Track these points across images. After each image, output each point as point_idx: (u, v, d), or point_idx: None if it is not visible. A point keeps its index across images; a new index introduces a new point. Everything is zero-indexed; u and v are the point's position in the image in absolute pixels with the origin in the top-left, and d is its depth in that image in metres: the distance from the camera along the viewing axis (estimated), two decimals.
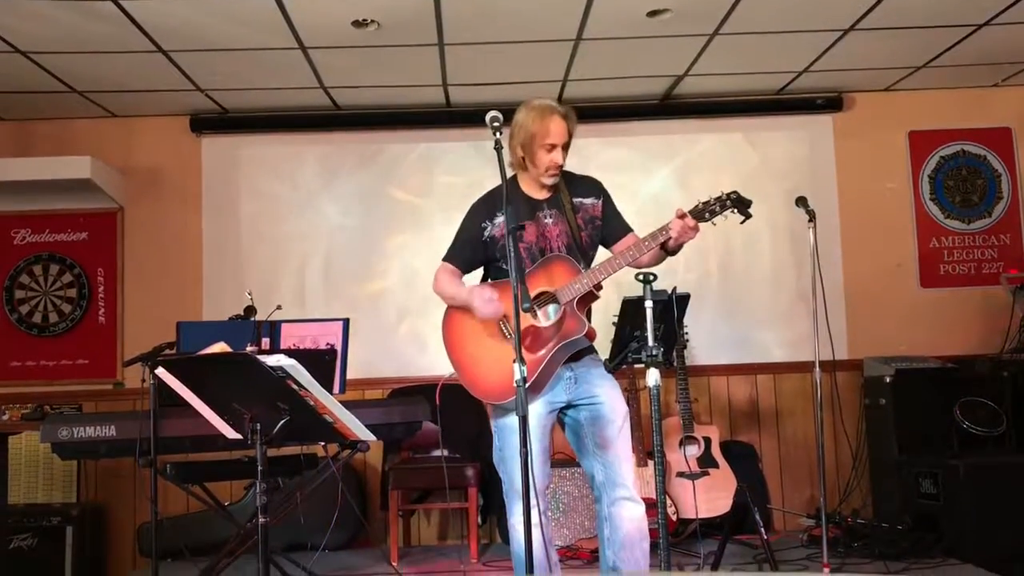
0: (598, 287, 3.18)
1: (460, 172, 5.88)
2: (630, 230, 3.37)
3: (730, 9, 4.61)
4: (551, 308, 3.18)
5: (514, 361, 2.71)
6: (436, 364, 3.53)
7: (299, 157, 5.96)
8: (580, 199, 3.34)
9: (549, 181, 3.27)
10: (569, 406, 3.26)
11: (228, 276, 5.78)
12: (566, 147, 3.24)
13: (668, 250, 3.19)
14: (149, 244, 5.84)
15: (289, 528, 4.52)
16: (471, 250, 3.32)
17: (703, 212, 3.14)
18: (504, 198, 2.88)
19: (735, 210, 3.14)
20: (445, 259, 3.36)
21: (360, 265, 5.89)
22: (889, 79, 5.82)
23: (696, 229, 3.12)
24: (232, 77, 5.32)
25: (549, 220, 3.28)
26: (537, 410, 3.14)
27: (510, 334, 3.15)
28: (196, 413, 3.24)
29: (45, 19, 4.41)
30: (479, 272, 3.45)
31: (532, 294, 3.11)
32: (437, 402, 3.32)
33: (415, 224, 5.90)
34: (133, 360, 3.99)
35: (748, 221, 3.20)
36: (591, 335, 3.17)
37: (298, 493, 4.20)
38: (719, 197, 3.14)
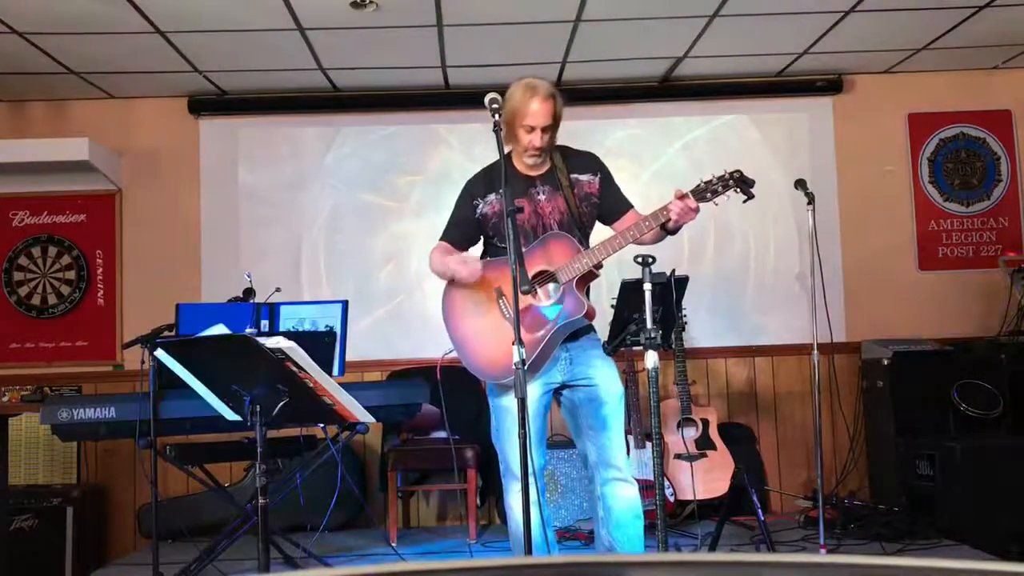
0: (598, 266, 3.17)
1: (459, 154, 5.87)
2: (630, 207, 3.35)
3: None
4: (551, 287, 3.18)
5: (513, 343, 2.71)
6: (436, 346, 3.54)
7: (297, 139, 5.94)
8: (577, 175, 3.31)
9: (529, 161, 3.24)
10: (564, 386, 3.26)
11: (227, 258, 5.78)
12: (547, 130, 3.18)
13: (668, 230, 3.17)
14: (147, 226, 5.83)
15: (289, 509, 4.54)
16: (466, 227, 3.32)
17: (705, 191, 3.12)
18: (503, 180, 2.87)
19: (737, 190, 3.13)
20: (442, 238, 3.37)
21: (359, 247, 5.89)
22: (889, 61, 5.81)
23: (696, 210, 3.10)
24: (230, 58, 5.30)
25: (542, 197, 3.26)
26: (533, 391, 3.14)
27: (509, 313, 3.16)
28: (196, 395, 3.25)
29: None
30: (476, 250, 3.44)
31: (531, 273, 3.11)
32: (438, 376, 3.32)
33: (414, 206, 5.90)
34: (132, 342, 4.00)
35: (747, 203, 3.19)
36: (591, 314, 3.17)
37: (298, 474, 4.21)
38: (721, 176, 3.13)
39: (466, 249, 3.37)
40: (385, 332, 5.80)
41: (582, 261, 3.12)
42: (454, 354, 3.28)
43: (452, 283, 3.31)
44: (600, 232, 3.34)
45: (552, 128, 3.21)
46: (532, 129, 3.16)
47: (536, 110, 3.14)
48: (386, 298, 5.85)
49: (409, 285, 5.83)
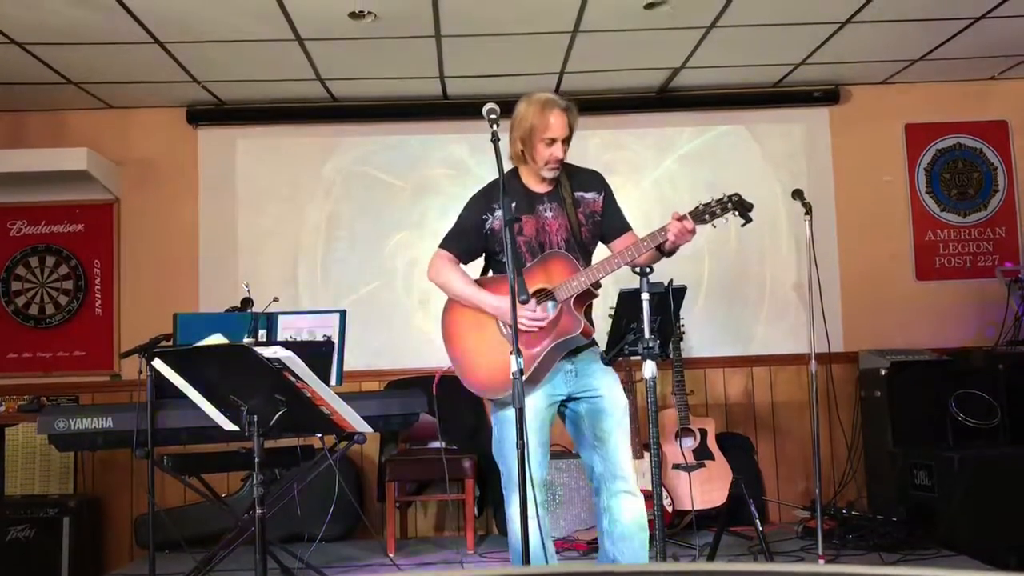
0: (596, 286, 3.18)
1: (457, 164, 5.88)
2: (628, 228, 3.36)
3: (727, 1, 4.60)
4: (549, 305, 3.19)
5: (511, 353, 2.72)
6: (434, 356, 3.55)
7: (296, 149, 5.95)
8: (581, 193, 3.33)
9: (549, 175, 3.26)
10: (569, 399, 3.26)
11: (224, 268, 5.78)
12: (566, 141, 3.23)
13: (664, 252, 3.18)
14: (145, 236, 5.83)
15: (286, 519, 4.53)
16: (471, 239, 3.31)
17: (703, 214, 3.14)
18: (501, 191, 2.88)
19: (736, 213, 3.15)
20: (443, 246, 3.34)
21: (357, 257, 5.89)
22: (886, 72, 5.83)
23: (693, 232, 3.12)
24: (229, 69, 5.31)
25: (549, 214, 3.28)
26: (537, 403, 3.15)
27: (506, 329, 3.16)
28: (193, 405, 3.24)
29: (41, 10, 4.40)
30: (478, 264, 3.44)
31: (530, 291, 3.12)
32: (435, 391, 3.33)
33: (412, 216, 5.90)
34: (130, 352, 3.99)
35: (745, 227, 3.21)
36: (587, 333, 3.17)
37: (295, 485, 4.20)
38: (720, 199, 3.14)
39: (468, 261, 3.37)
40: (383, 342, 5.79)
41: (580, 280, 3.13)
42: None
43: (453, 301, 3.31)
44: (601, 251, 3.35)
45: (569, 139, 3.25)
46: (553, 142, 3.20)
47: (555, 122, 3.18)
48: (384, 308, 5.84)
49: (408, 295, 5.83)
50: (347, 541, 5.30)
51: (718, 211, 3.13)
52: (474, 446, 5.11)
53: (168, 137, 5.89)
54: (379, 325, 5.80)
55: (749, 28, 4.97)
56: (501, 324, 3.19)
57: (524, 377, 2.76)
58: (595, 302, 3.31)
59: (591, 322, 3.24)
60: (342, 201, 5.92)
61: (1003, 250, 5.96)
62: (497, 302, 3.16)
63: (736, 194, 3.15)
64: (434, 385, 3.32)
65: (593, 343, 3.32)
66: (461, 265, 3.34)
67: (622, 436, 3.22)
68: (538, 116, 3.19)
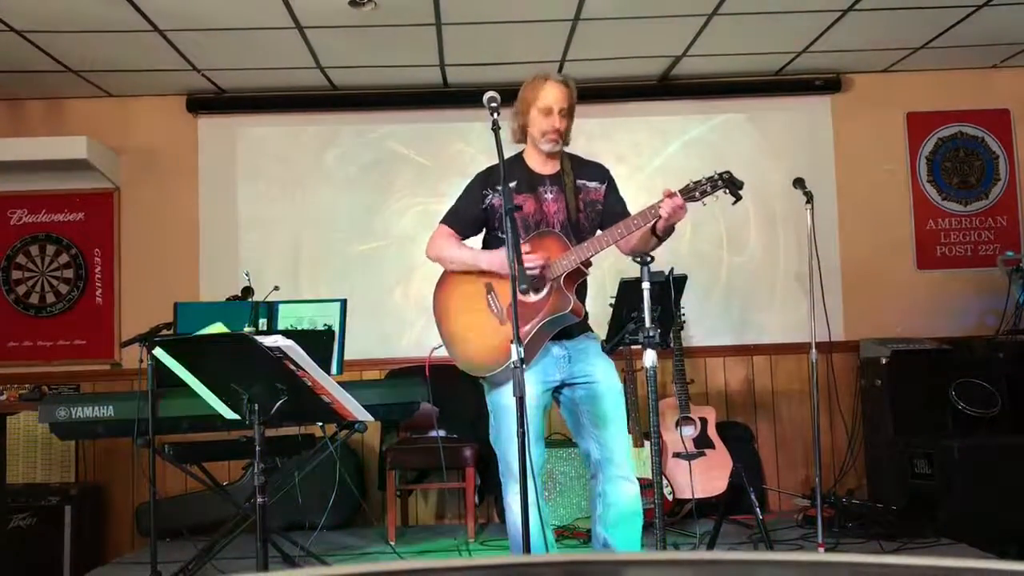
0: (587, 264, 3.18)
1: (457, 153, 5.87)
2: (629, 215, 3.36)
3: None
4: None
5: (505, 340, 2.71)
6: (434, 345, 3.55)
7: (296, 137, 5.94)
8: (584, 181, 3.34)
9: (547, 147, 3.26)
10: (563, 385, 3.26)
11: (225, 257, 5.78)
12: (564, 113, 3.24)
13: (658, 234, 3.17)
14: (146, 225, 5.83)
15: (287, 508, 4.53)
16: (471, 217, 3.33)
17: (694, 191, 3.13)
18: (503, 179, 2.87)
19: (726, 190, 3.13)
20: (444, 221, 3.36)
21: (357, 246, 5.89)
22: (888, 60, 5.81)
23: (684, 209, 3.10)
24: (229, 57, 5.30)
25: (549, 196, 3.28)
26: (531, 390, 3.14)
27: (498, 307, 3.17)
28: (194, 393, 3.25)
29: None
30: (475, 243, 3.44)
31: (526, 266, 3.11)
32: (426, 374, 3.33)
33: (411, 205, 5.89)
34: (131, 341, 4.00)
35: (744, 202, 3.20)
36: (577, 311, 3.16)
37: (296, 473, 4.21)
38: (711, 177, 3.13)
39: (467, 237, 3.38)
40: (384, 330, 5.79)
41: (570, 258, 3.14)
42: (442, 350, 3.28)
43: (444, 279, 3.31)
44: None
45: (568, 113, 3.25)
46: (549, 112, 3.21)
47: (549, 91, 3.21)
48: (385, 296, 5.84)
49: (408, 283, 5.82)
50: (348, 529, 5.30)
51: (708, 188, 3.12)
52: (475, 434, 5.12)
53: (168, 126, 5.88)
54: (381, 313, 5.79)
55: (751, 16, 4.95)
56: (491, 300, 3.18)
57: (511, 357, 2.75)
58: (596, 292, 3.31)
59: (583, 301, 3.24)
60: (342, 189, 5.91)
61: (1004, 239, 5.95)
62: (494, 257, 3.17)
63: (727, 171, 3.13)
64: (426, 369, 3.32)
65: (587, 328, 3.31)
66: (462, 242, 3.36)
67: (618, 421, 3.22)
68: (532, 89, 3.24)
